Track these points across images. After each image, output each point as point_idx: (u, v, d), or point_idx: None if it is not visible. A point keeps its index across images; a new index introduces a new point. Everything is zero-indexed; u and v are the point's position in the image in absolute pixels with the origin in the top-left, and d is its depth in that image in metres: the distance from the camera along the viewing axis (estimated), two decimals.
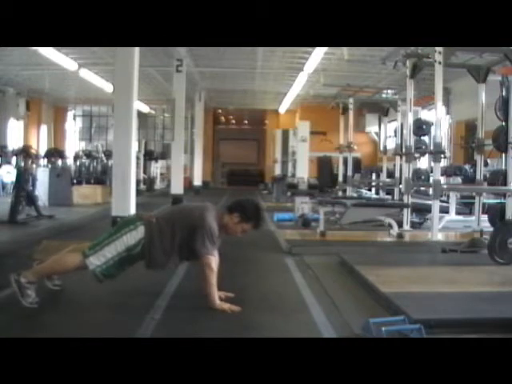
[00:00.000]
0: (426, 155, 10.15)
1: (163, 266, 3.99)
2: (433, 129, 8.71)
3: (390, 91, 15.04)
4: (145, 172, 20.45)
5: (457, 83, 14.09)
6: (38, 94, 19.87)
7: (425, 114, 14.64)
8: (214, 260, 3.84)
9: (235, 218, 3.96)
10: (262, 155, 28.89)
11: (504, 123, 7.70)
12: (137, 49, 8.16)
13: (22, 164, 9.62)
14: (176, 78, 14.11)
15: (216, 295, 3.83)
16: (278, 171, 21.00)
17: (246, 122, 31.38)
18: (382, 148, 13.78)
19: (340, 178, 14.15)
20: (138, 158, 15.70)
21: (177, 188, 14.28)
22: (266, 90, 19.97)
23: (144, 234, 3.85)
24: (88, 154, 17.87)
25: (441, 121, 7.52)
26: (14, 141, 17.33)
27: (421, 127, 9.49)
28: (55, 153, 14.26)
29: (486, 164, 8.86)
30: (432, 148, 8.26)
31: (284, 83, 18.09)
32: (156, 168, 22.32)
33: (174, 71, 14.06)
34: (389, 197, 11.91)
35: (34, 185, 9.76)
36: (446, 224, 8.64)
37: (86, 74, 15.69)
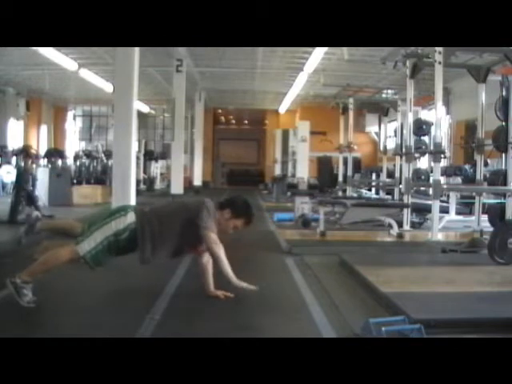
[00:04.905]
0: (426, 155, 10.15)
1: (154, 258, 3.94)
2: (433, 129, 8.70)
3: (390, 91, 15.04)
4: (145, 172, 20.46)
5: (457, 83, 14.10)
6: (38, 93, 19.88)
7: (425, 114, 14.64)
8: (217, 239, 3.90)
9: (226, 215, 4.03)
10: (262, 155, 28.91)
11: (504, 123, 7.71)
12: (137, 49, 8.17)
13: (22, 164, 9.62)
14: (176, 78, 14.14)
15: (231, 272, 3.91)
16: (278, 171, 21.02)
17: (246, 122, 31.38)
18: (382, 148, 13.78)
19: (340, 178, 14.16)
20: (138, 158, 15.71)
21: (177, 188, 14.31)
22: (266, 89, 19.98)
23: (134, 220, 3.87)
24: (88, 154, 17.89)
25: (441, 121, 7.52)
26: (14, 141, 17.34)
27: (421, 127, 9.48)
28: (55, 153, 14.29)
29: (486, 164, 8.86)
30: (432, 148, 8.26)
31: (284, 83, 18.10)
32: (156, 168, 22.33)
33: (174, 71, 14.10)
34: (389, 197, 11.91)
35: (34, 185, 9.75)
36: (446, 224, 8.63)
37: (86, 74, 15.71)
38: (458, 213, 9.45)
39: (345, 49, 12.19)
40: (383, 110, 13.33)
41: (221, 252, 3.90)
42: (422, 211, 8.91)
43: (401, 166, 9.99)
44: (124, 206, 4.24)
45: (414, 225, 8.63)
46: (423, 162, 11.71)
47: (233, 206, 4.06)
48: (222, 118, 30.52)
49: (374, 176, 15.17)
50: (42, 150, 16.33)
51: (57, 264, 3.90)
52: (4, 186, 14.82)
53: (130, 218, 3.88)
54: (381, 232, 8.10)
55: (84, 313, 3.74)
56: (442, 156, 7.52)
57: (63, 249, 3.92)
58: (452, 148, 14.72)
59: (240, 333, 3.32)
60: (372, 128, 20.28)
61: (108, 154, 16.43)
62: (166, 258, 4.10)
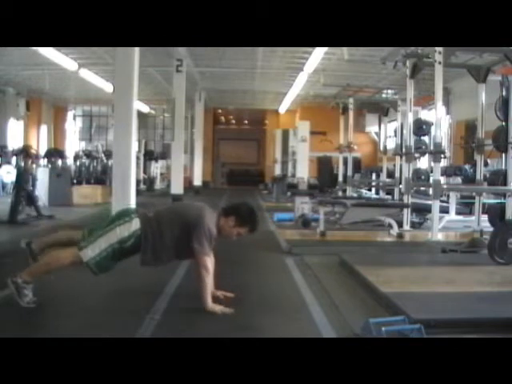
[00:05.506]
0: (426, 155, 10.16)
1: (155, 262, 3.91)
2: (433, 129, 8.71)
3: (390, 91, 15.04)
4: (145, 172, 20.46)
5: (457, 83, 14.09)
6: (38, 93, 19.86)
7: (425, 114, 14.64)
8: (210, 261, 3.82)
9: (231, 222, 3.95)
10: (262, 155, 28.89)
11: (504, 123, 7.71)
12: (137, 49, 8.16)
13: (22, 164, 9.62)
14: (176, 78, 14.13)
15: (209, 297, 3.78)
16: (278, 171, 21.01)
17: (246, 122, 31.36)
18: (382, 148, 13.79)
19: (340, 178, 14.16)
20: (138, 158, 15.70)
21: (177, 188, 14.30)
22: (266, 90, 19.96)
23: (139, 226, 3.82)
24: (88, 154, 17.88)
25: (441, 121, 7.52)
26: (14, 141, 17.33)
27: (421, 127, 9.48)
28: (55, 153, 14.28)
29: (486, 164, 8.86)
30: (432, 148, 8.26)
31: (284, 83, 18.08)
32: (156, 168, 22.32)
33: (174, 71, 14.09)
34: (389, 197, 11.91)
35: (34, 185, 9.76)
36: (446, 224, 8.64)
37: (86, 74, 15.69)
38: (458, 213, 9.45)
39: (345, 49, 12.18)
40: (383, 109, 13.33)
41: (208, 279, 3.78)
42: (422, 211, 8.91)
43: (401, 165, 9.99)
44: (128, 211, 4.13)
45: (414, 225, 8.64)
46: (423, 162, 11.71)
47: (238, 214, 3.96)
48: (222, 118, 30.50)
49: (374, 176, 15.17)
50: (42, 150, 16.32)
51: (58, 266, 3.89)
52: (4, 185, 14.82)
53: (135, 224, 3.83)
54: (381, 232, 8.10)
55: (84, 313, 3.74)
56: (442, 156, 7.52)
57: (66, 251, 3.90)
58: (452, 148, 14.71)
59: (240, 333, 3.32)
60: (372, 128, 20.27)
61: (108, 154, 16.43)
62: (169, 260, 4.07)
